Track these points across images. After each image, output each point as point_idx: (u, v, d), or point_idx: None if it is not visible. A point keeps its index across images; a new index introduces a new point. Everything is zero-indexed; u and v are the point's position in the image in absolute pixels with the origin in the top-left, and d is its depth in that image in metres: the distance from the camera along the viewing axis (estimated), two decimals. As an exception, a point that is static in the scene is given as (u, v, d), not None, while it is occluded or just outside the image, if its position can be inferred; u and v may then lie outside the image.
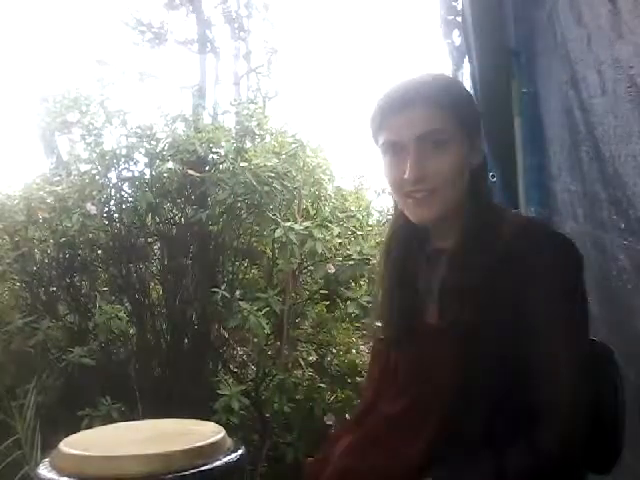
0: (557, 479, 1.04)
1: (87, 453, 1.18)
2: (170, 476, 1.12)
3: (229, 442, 1.26)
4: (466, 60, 2.51)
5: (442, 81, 1.16)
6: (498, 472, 1.01)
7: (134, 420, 1.68)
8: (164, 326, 3.47)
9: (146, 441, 1.25)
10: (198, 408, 2.88)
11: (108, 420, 2.71)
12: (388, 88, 1.15)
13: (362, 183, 4.66)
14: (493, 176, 2.16)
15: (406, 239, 1.23)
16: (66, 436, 1.30)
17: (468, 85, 2.37)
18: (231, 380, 3.24)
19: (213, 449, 1.20)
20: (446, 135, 1.10)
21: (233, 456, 1.20)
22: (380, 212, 4.51)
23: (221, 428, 1.30)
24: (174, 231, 3.51)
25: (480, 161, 1.17)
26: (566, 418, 1.02)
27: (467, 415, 1.06)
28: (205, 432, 1.27)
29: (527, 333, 1.04)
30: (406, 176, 1.09)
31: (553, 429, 1.01)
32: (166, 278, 3.49)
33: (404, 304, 1.20)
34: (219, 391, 2.99)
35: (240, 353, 3.75)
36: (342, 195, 3.90)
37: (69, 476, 1.14)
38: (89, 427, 2.51)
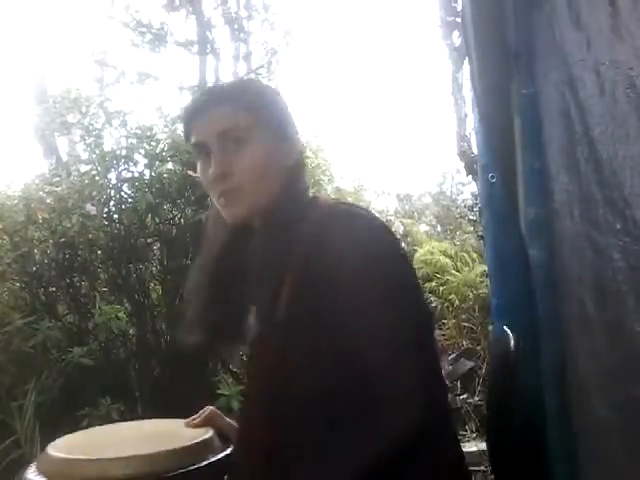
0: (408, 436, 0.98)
1: (70, 456, 1.16)
2: (155, 477, 1.11)
3: (217, 442, 1.25)
4: (466, 60, 2.51)
5: (245, 83, 1.25)
6: (353, 455, 0.99)
7: (134, 420, 1.68)
8: (164, 326, 3.47)
9: (133, 442, 1.24)
10: (198, 408, 2.87)
11: (108, 420, 2.71)
12: (195, 94, 1.19)
13: (362, 184, 4.67)
14: (493, 177, 2.16)
15: (226, 244, 1.21)
16: (58, 438, 1.30)
17: (468, 85, 2.37)
18: (231, 380, 3.24)
19: (200, 449, 1.19)
20: (246, 133, 1.12)
21: (220, 456, 1.19)
22: (380, 212, 4.51)
23: (209, 427, 1.29)
24: (174, 232, 3.51)
25: (294, 162, 1.17)
26: (391, 389, 0.98)
27: (293, 425, 1.05)
28: (193, 432, 1.26)
29: (334, 328, 1.01)
30: (210, 173, 1.11)
31: (385, 403, 0.98)
32: (166, 278, 3.49)
33: (225, 308, 1.21)
34: (219, 391, 2.99)
35: (240, 353, 3.75)
36: (342, 195, 3.91)
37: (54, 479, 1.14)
38: (89, 427, 2.51)
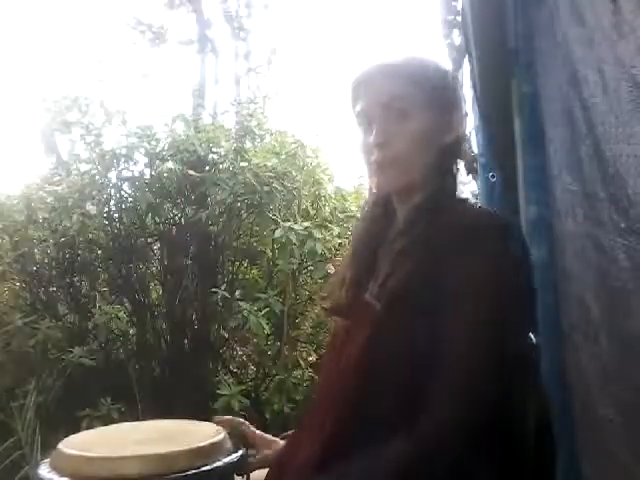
0: (439, 468, 0.97)
1: (87, 454, 1.17)
2: (171, 476, 1.12)
3: (229, 443, 1.25)
4: (466, 60, 2.50)
5: (414, 58, 1.22)
6: (378, 459, 0.99)
7: (134, 420, 1.68)
8: (164, 326, 3.47)
9: (147, 441, 1.25)
10: (198, 408, 2.88)
11: (108, 420, 2.71)
12: (365, 66, 1.22)
13: (362, 183, 4.65)
14: (493, 176, 2.15)
15: (373, 217, 1.26)
16: (66, 436, 1.30)
17: (468, 85, 2.36)
18: (231, 380, 3.24)
19: (214, 450, 1.20)
20: (410, 106, 1.14)
21: (234, 457, 1.20)
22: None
23: (221, 428, 1.29)
24: (174, 231, 3.51)
25: (452, 140, 1.20)
26: (450, 405, 0.97)
27: (371, 404, 1.04)
28: (206, 432, 1.26)
29: (439, 324, 1.00)
30: (371, 141, 1.14)
31: (433, 414, 0.97)
32: (166, 278, 3.49)
33: (353, 278, 1.22)
34: (219, 391, 2.99)
35: (240, 353, 3.75)
36: (342, 195, 3.90)
37: (69, 477, 1.13)
38: (89, 427, 2.51)
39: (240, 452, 1.23)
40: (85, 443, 1.24)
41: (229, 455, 1.20)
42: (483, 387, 0.98)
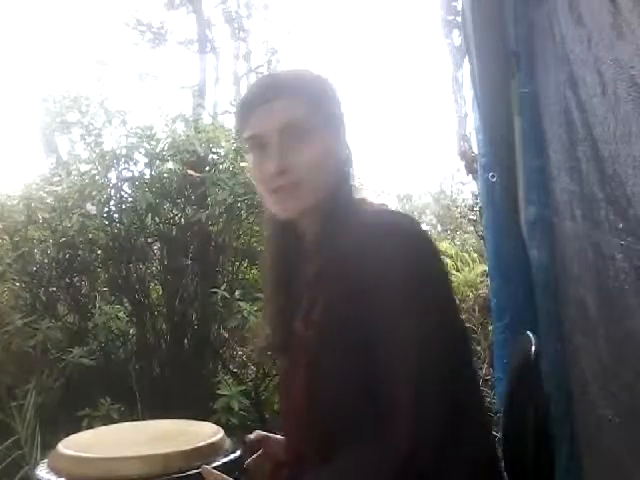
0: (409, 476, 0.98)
1: (85, 454, 1.17)
2: (168, 477, 1.12)
3: (228, 443, 1.25)
4: (466, 60, 2.51)
5: (303, 74, 1.17)
6: (346, 469, 1.00)
7: (134, 420, 1.68)
8: (164, 326, 3.47)
9: (145, 442, 1.25)
10: (198, 408, 2.88)
11: (108, 420, 2.71)
12: (252, 84, 1.18)
13: (362, 183, 4.65)
14: (493, 176, 2.16)
15: (283, 243, 1.21)
16: (66, 436, 1.30)
17: (468, 85, 2.36)
18: (231, 380, 3.24)
19: (212, 450, 1.20)
20: (308, 126, 1.10)
21: (232, 457, 1.20)
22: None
23: (219, 429, 1.29)
24: (174, 231, 3.51)
25: (346, 155, 1.17)
26: (415, 413, 0.96)
27: (324, 424, 1.05)
28: (204, 433, 1.26)
29: (374, 332, 1.00)
30: (270, 169, 1.09)
31: (401, 424, 0.96)
32: (166, 278, 3.49)
33: (279, 311, 1.20)
34: (219, 391, 2.99)
35: (240, 353, 3.75)
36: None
37: (66, 477, 1.14)
38: (89, 427, 2.51)
39: (239, 452, 1.23)
40: (83, 443, 1.24)
41: (227, 455, 1.20)
42: (436, 393, 0.97)
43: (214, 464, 1.15)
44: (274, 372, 3.26)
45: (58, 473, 1.15)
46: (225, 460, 1.19)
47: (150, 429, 1.38)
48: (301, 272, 1.16)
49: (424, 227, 7.42)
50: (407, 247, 1.03)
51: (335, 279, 1.04)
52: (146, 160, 3.43)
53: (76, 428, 2.00)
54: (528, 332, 1.26)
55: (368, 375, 1.00)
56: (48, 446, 1.26)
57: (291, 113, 1.09)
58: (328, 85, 1.18)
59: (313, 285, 1.09)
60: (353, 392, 1.03)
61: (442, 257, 1.18)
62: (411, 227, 1.08)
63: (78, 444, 1.23)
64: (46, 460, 1.21)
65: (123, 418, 2.75)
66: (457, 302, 1.16)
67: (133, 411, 2.95)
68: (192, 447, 1.18)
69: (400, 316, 0.99)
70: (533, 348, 1.17)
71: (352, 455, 1.01)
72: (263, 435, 1.32)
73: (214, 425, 1.33)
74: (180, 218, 3.48)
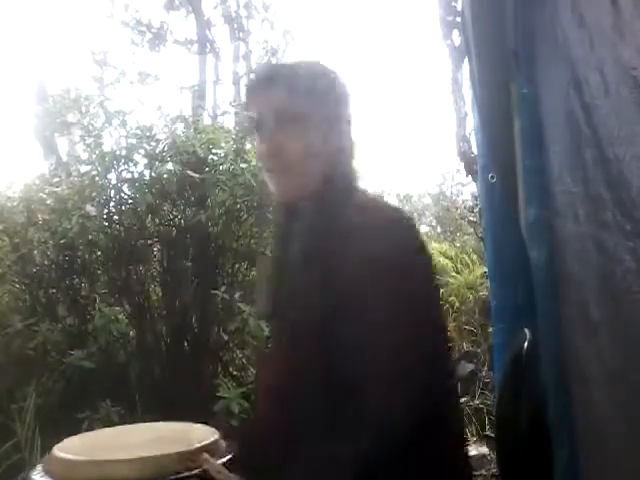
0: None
1: (77, 458, 1.17)
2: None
3: (223, 445, 1.25)
4: (466, 60, 2.50)
5: (304, 65, 1.22)
6: (311, 462, 0.99)
7: (134, 423, 1.68)
8: (164, 328, 3.47)
9: (138, 445, 1.24)
10: (198, 411, 2.87)
11: (108, 423, 2.70)
12: (258, 68, 1.23)
13: (361, 183, 4.65)
14: (493, 177, 2.15)
15: (281, 222, 1.27)
16: (66, 438, 1.30)
17: (468, 85, 2.36)
18: (231, 383, 3.23)
19: (207, 452, 1.19)
20: (302, 114, 1.14)
21: (225, 459, 1.19)
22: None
23: (215, 431, 1.29)
24: (174, 233, 3.50)
25: (342, 146, 1.19)
26: (381, 411, 0.97)
27: (299, 407, 1.06)
28: (198, 435, 1.26)
29: (348, 320, 1.00)
30: (263, 150, 1.15)
31: (366, 422, 0.97)
32: (166, 280, 3.48)
33: (273, 283, 1.26)
34: (219, 394, 2.98)
35: (240, 356, 3.74)
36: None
37: None
38: (89, 430, 2.51)
39: (233, 453, 1.23)
40: (78, 447, 1.24)
41: (222, 457, 1.20)
42: (401, 387, 0.98)
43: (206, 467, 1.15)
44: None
45: (52, 476, 1.15)
46: (220, 462, 1.18)
47: (145, 432, 1.38)
48: (293, 254, 1.19)
49: (424, 228, 7.43)
50: (384, 237, 1.05)
51: (315, 265, 1.07)
52: (146, 161, 3.42)
53: (76, 430, 1.99)
54: (525, 328, 1.25)
55: (337, 366, 1.00)
56: (48, 448, 1.26)
57: (286, 99, 1.14)
58: (326, 77, 1.21)
59: (297, 269, 1.13)
60: (323, 377, 1.03)
61: (430, 254, 1.19)
62: (397, 218, 1.11)
63: (73, 447, 1.23)
64: (41, 464, 1.21)
65: (123, 420, 2.74)
66: (438, 297, 1.19)
67: (133, 413, 2.94)
68: (184, 450, 1.18)
69: (372, 317, 1.00)
70: (526, 342, 1.17)
71: (314, 451, 1.00)
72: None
73: (209, 427, 1.33)
74: (180, 219, 3.48)
